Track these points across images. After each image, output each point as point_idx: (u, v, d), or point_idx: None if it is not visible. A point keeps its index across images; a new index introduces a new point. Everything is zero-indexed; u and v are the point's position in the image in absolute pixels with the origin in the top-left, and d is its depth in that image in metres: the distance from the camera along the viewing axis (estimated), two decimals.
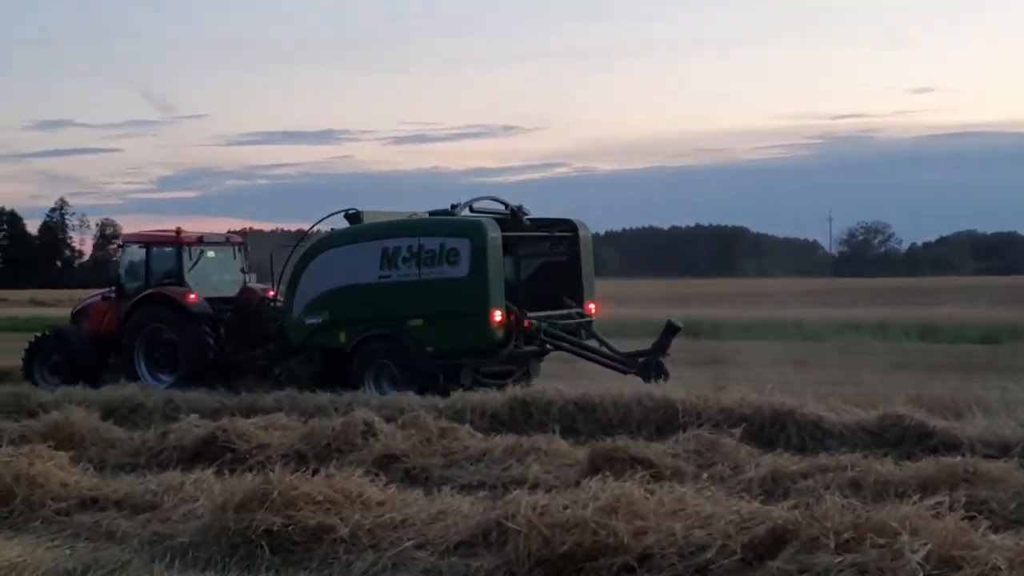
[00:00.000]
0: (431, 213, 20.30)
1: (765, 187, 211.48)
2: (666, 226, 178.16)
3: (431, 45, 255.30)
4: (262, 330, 21.83)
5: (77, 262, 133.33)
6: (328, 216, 21.48)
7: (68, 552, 9.15)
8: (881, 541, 6.93)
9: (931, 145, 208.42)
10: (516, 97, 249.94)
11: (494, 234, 18.99)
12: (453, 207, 19.90)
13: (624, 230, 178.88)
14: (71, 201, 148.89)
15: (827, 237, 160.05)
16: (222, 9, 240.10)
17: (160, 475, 11.28)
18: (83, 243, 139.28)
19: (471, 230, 19.08)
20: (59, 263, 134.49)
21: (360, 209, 20.62)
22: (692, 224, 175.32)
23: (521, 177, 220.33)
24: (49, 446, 11.86)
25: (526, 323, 19.02)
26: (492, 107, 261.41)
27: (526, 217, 20.62)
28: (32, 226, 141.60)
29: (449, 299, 19.06)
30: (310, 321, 20.13)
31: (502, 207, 20.54)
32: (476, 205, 20.44)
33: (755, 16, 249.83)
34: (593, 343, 20.14)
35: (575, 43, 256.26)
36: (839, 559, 6.88)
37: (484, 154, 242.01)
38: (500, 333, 18.90)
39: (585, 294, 20.72)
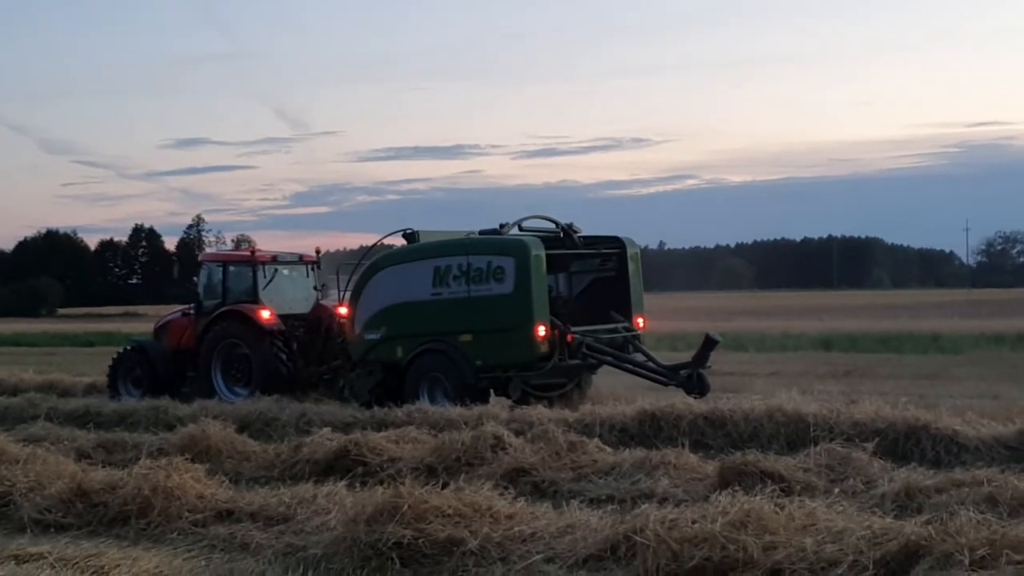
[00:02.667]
0: (481, 232, 20.66)
1: (899, 197, 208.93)
2: (798, 238, 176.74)
3: (558, 59, 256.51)
4: (332, 346, 22.44)
5: None
6: (388, 235, 22.29)
7: (204, 563, 9.35)
8: (1018, 558, 6.81)
9: None
10: (644, 110, 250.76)
11: (537, 252, 19.35)
12: (502, 226, 20.29)
13: (756, 242, 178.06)
14: (207, 218, 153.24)
15: (964, 247, 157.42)
16: (353, 29, 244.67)
17: (293, 488, 11.44)
18: None
19: (515, 248, 19.43)
20: (195, 278, 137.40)
21: (416, 229, 21.10)
22: (825, 235, 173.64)
23: (651, 190, 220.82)
24: (186, 459, 12.05)
25: (569, 337, 19.30)
26: (620, 120, 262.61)
27: (577, 235, 21.01)
28: (170, 243, 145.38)
29: (495, 315, 19.45)
30: (370, 336, 20.68)
31: (552, 226, 20.97)
32: (526, 224, 20.81)
33: (887, 26, 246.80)
34: (639, 356, 20.29)
35: (702, 55, 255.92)
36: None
37: (613, 167, 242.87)
38: (544, 347, 19.21)
39: (633, 309, 20.95)
